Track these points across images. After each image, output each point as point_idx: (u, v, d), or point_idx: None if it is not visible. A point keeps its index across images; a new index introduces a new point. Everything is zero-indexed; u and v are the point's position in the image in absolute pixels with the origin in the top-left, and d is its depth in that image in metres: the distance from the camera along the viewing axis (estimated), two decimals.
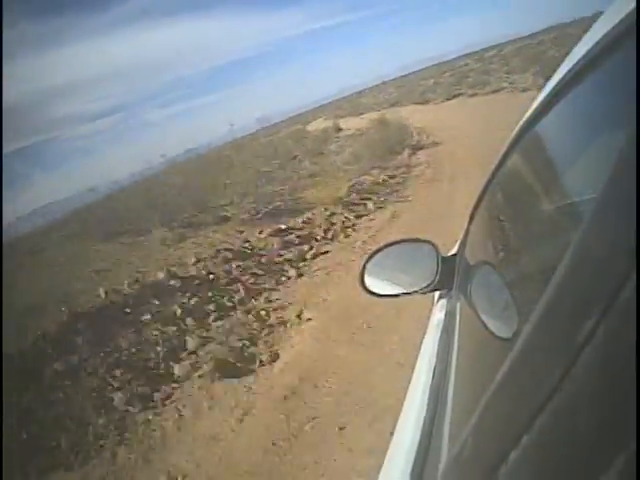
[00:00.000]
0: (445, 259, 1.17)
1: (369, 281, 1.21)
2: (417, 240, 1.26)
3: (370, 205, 6.98)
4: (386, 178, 8.48)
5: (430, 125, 14.28)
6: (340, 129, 18.08)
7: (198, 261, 5.26)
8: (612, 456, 0.17)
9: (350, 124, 19.00)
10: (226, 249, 5.62)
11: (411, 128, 13.75)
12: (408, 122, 14.38)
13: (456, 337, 0.88)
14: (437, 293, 1.28)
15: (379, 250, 1.26)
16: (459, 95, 20.64)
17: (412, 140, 12.10)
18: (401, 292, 1.20)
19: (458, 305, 1.01)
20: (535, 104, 0.71)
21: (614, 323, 0.19)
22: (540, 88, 0.73)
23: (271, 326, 3.97)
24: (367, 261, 1.23)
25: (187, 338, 3.92)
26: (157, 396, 3.33)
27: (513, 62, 22.40)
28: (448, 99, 20.97)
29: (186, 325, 4.12)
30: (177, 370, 3.56)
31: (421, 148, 11.16)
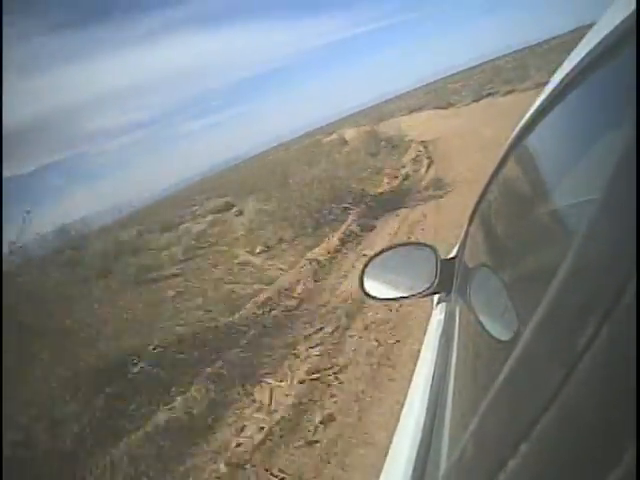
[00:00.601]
0: (444, 262, 1.17)
1: (368, 285, 1.21)
2: (416, 243, 1.26)
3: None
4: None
5: (434, 140, 12.22)
6: (345, 141, 17.63)
7: None
8: (612, 463, 0.17)
9: (350, 136, 18.64)
10: None
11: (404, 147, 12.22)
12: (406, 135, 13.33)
13: (455, 340, 0.88)
14: (436, 296, 1.28)
15: (378, 254, 1.26)
16: (488, 96, 19.31)
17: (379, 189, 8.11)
18: (400, 296, 1.20)
19: (457, 308, 1.00)
20: (534, 107, 0.71)
21: (615, 328, 0.19)
22: None
23: None
24: (366, 265, 1.23)
25: None
26: None
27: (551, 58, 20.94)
28: (475, 100, 19.74)
29: None
30: None
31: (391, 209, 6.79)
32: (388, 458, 0.77)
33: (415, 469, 0.63)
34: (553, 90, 0.61)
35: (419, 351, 1.12)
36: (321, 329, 3.80)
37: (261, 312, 4.36)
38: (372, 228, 6.29)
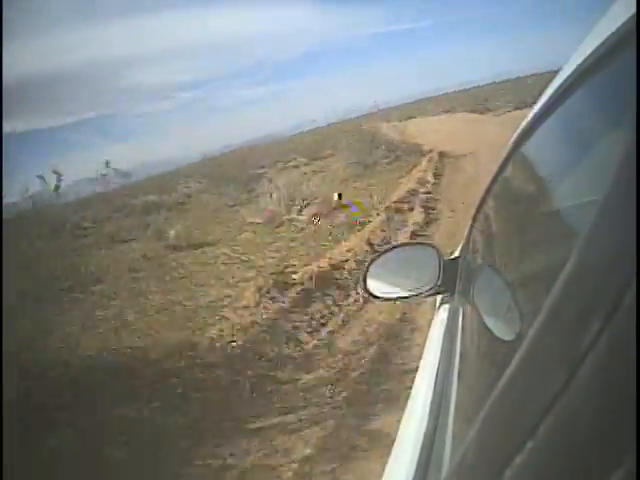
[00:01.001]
0: (447, 262, 1.17)
1: (372, 284, 1.21)
2: (419, 243, 1.26)
3: None
4: None
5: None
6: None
7: None
8: (615, 462, 0.17)
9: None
10: None
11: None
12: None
13: (459, 340, 0.88)
14: (439, 296, 1.28)
15: (382, 253, 1.26)
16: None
17: None
18: (404, 295, 1.21)
19: (461, 308, 1.00)
20: (536, 109, 0.71)
21: (617, 329, 0.19)
22: None
23: None
24: (370, 264, 1.24)
25: None
26: None
27: None
28: (518, 108, 17.63)
29: None
30: None
31: None
32: (391, 458, 0.77)
33: (418, 469, 0.64)
34: (554, 92, 0.61)
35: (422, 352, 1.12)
36: None
37: None
38: None
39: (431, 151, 11.91)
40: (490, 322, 0.69)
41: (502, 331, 0.63)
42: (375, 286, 1.21)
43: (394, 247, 1.29)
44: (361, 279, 1.24)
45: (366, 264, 1.25)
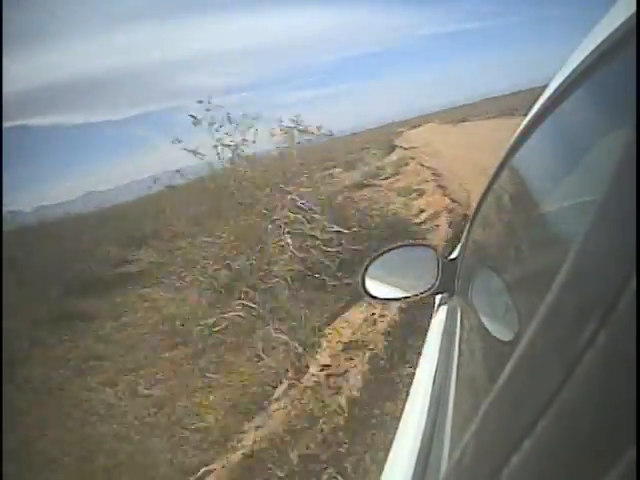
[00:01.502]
0: (445, 263, 1.17)
1: (370, 285, 1.21)
2: (417, 244, 1.26)
3: None
4: None
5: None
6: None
7: None
8: (613, 460, 0.18)
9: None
10: None
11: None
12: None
13: (457, 341, 0.88)
14: (438, 297, 1.28)
15: (380, 254, 1.26)
16: None
17: None
18: (402, 296, 1.21)
19: (459, 309, 1.01)
20: (535, 109, 0.71)
21: (615, 327, 0.20)
22: None
23: None
24: (368, 265, 1.24)
25: None
26: None
27: None
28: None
29: None
30: None
31: None
32: (390, 457, 0.77)
33: (417, 467, 0.64)
34: (553, 92, 0.61)
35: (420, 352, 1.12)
36: None
37: None
38: None
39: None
40: (488, 322, 0.70)
41: (500, 331, 0.63)
42: (373, 287, 1.21)
43: (392, 248, 1.29)
44: (359, 280, 1.24)
45: (364, 265, 1.25)
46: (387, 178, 11.64)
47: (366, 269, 1.23)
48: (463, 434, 0.40)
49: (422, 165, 12.66)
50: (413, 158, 14.89)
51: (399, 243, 1.26)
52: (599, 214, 0.24)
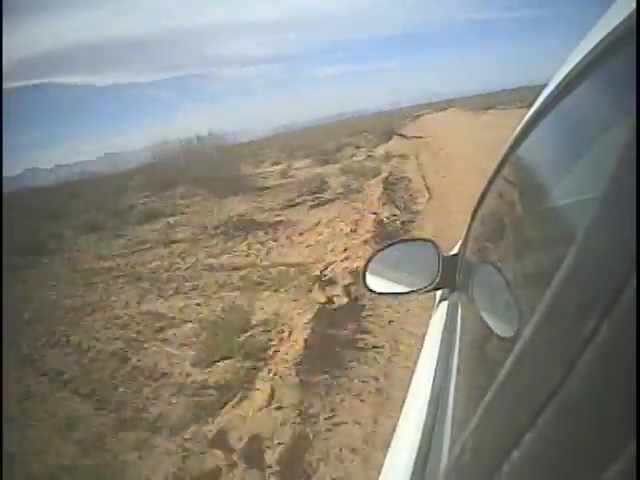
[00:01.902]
0: (446, 259, 1.17)
1: (371, 280, 1.22)
2: (419, 239, 1.26)
3: None
4: None
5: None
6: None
7: None
8: (614, 454, 0.18)
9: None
10: None
11: None
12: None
13: (457, 336, 0.89)
14: (438, 292, 1.28)
15: (381, 249, 1.27)
16: None
17: None
18: (403, 291, 1.21)
19: (459, 304, 1.01)
20: (536, 105, 0.71)
21: (616, 322, 0.20)
22: None
23: None
24: (369, 260, 1.24)
25: None
26: None
27: None
28: None
29: None
30: None
31: None
32: (389, 454, 0.78)
33: (417, 463, 0.64)
34: (554, 90, 0.61)
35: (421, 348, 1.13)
36: None
37: None
38: None
39: None
40: (489, 318, 0.70)
41: (501, 327, 0.63)
42: (374, 282, 1.22)
43: (393, 243, 1.29)
44: (360, 275, 1.24)
45: (365, 261, 1.26)
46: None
47: (367, 264, 1.23)
48: (463, 429, 0.40)
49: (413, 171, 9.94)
50: (404, 159, 12.23)
51: (400, 239, 1.26)
52: (600, 210, 0.24)
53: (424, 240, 1.26)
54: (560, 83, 0.59)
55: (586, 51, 0.48)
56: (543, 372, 0.24)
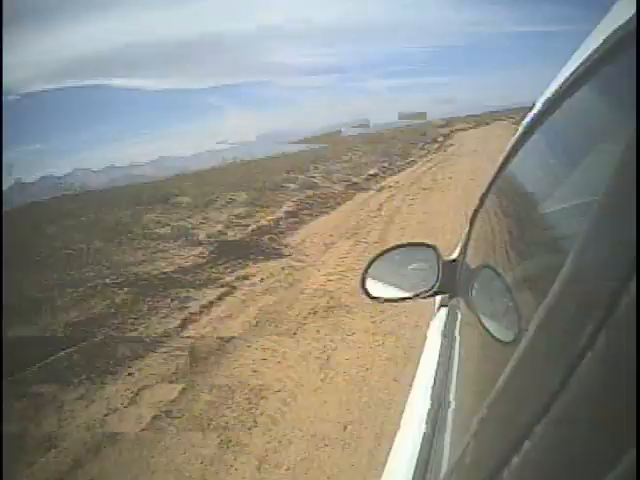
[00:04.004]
0: (446, 263, 1.17)
1: (370, 285, 1.21)
2: (418, 244, 1.26)
3: None
4: None
5: None
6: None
7: None
8: (613, 461, 0.17)
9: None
10: None
11: None
12: None
13: (457, 342, 0.88)
14: (438, 297, 1.28)
15: (380, 254, 1.26)
16: None
17: None
18: (402, 296, 1.20)
19: (459, 309, 1.00)
20: (536, 109, 0.71)
21: (616, 327, 0.20)
22: None
23: None
24: (368, 265, 1.23)
25: None
26: None
27: None
28: None
29: None
30: None
31: None
32: (390, 457, 0.77)
33: (417, 468, 0.64)
34: (554, 93, 0.61)
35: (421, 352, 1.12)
36: None
37: None
38: None
39: None
40: (488, 323, 0.69)
41: (501, 332, 0.63)
42: (374, 287, 1.21)
43: (393, 248, 1.28)
44: (359, 280, 1.24)
45: (365, 265, 1.25)
46: None
47: (366, 269, 1.22)
48: (464, 435, 0.40)
49: None
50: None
51: (399, 244, 1.26)
52: (599, 215, 0.24)
53: (424, 245, 1.26)
54: (559, 88, 0.59)
55: (585, 56, 0.48)
56: (542, 378, 0.24)
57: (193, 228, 7.36)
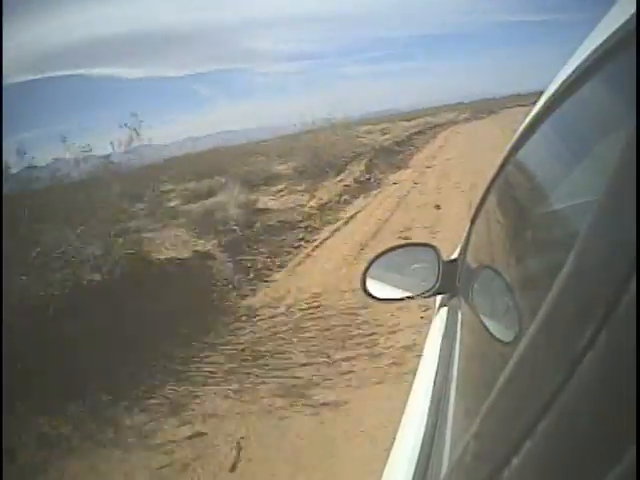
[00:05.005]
0: (446, 263, 1.17)
1: (371, 285, 1.21)
2: (419, 244, 1.26)
3: None
4: None
5: None
6: None
7: None
8: (613, 460, 0.17)
9: None
10: None
11: None
12: None
13: (458, 341, 0.88)
14: (438, 297, 1.28)
15: (381, 254, 1.26)
16: None
17: None
18: (403, 296, 1.21)
19: (460, 309, 1.00)
20: (536, 109, 0.71)
21: (616, 327, 0.19)
22: None
23: None
24: (369, 265, 1.23)
25: None
26: None
27: None
28: None
29: None
30: None
31: None
32: (390, 458, 0.77)
33: (417, 469, 0.64)
34: (554, 92, 0.61)
35: (421, 353, 1.12)
36: None
37: None
38: None
39: None
40: (489, 323, 0.69)
41: (501, 332, 0.63)
42: (374, 287, 1.21)
43: (393, 248, 1.29)
44: (360, 280, 1.24)
45: (365, 265, 1.25)
46: None
47: (367, 269, 1.22)
48: (464, 435, 0.40)
49: None
50: None
51: (400, 244, 1.26)
52: (600, 214, 0.24)
53: (424, 245, 1.26)
54: (560, 86, 0.59)
55: (587, 54, 0.48)
56: (543, 378, 0.24)
57: None
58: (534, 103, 0.74)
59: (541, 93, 0.72)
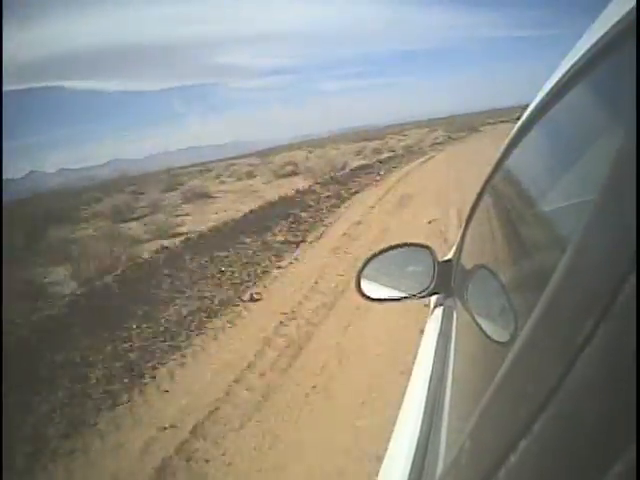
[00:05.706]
0: (441, 264, 1.17)
1: (365, 286, 1.21)
2: (413, 244, 1.26)
3: None
4: None
5: None
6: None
7: None
8: (611, 460, 0.17)
9: None
10: None
11: None
12: None
13: (453, 342, 0.88)
14: (434, 298, 1.28)
15: (376, 255, 1.26)
16: None
17: None
18: (398, 297, 1.20)
19: (455, 310, 1.00)
20: (531, 107, 0.71)
21: (613, 325, 0.19)
22: None
23: None
24: (364, 266, 1.23)
25: None
26: None
27: None
28: None
29: None
30: None
31: None
32: (386, 458, 0.77)
33: (413, 468, 0.63)
34: (551, 90, 0.61)
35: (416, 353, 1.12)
36: None
37: None
38: None
39: None
40: (484, 323, 0.69)
41: (496, 332, 0.63)
42: (369, 288, 1.21)
43: (388, 248, 1.28)
44: (354, 281, 1.23)
45: (360, 265, 1.25)
46: None
47: (361, 270, 1.22)
48: (460, 434, 0.40)
49: None
50: None
51: (395, 244, 1.25)
52: (597, 211, 0.24)
53: (419, 245, 1.26)
54: (555, 85, 0.59)
55: (581, 53, 0.48)
56: (539, 377, 0.24)
57: None
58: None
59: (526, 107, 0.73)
